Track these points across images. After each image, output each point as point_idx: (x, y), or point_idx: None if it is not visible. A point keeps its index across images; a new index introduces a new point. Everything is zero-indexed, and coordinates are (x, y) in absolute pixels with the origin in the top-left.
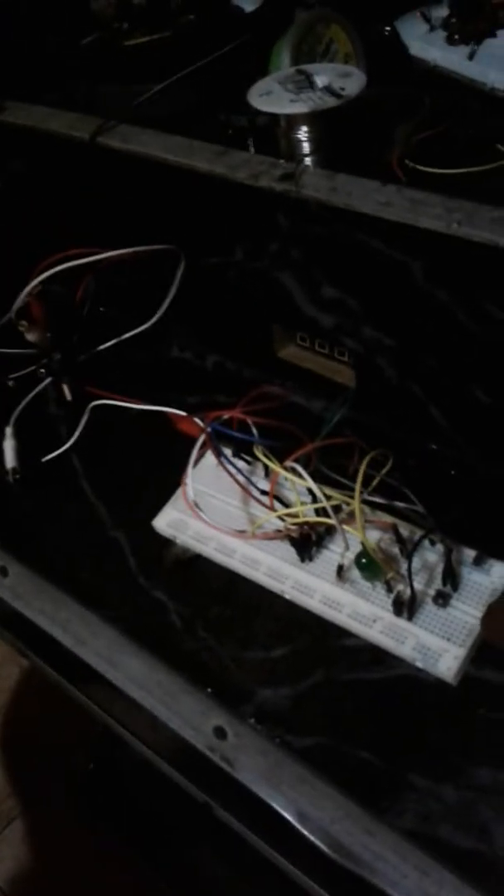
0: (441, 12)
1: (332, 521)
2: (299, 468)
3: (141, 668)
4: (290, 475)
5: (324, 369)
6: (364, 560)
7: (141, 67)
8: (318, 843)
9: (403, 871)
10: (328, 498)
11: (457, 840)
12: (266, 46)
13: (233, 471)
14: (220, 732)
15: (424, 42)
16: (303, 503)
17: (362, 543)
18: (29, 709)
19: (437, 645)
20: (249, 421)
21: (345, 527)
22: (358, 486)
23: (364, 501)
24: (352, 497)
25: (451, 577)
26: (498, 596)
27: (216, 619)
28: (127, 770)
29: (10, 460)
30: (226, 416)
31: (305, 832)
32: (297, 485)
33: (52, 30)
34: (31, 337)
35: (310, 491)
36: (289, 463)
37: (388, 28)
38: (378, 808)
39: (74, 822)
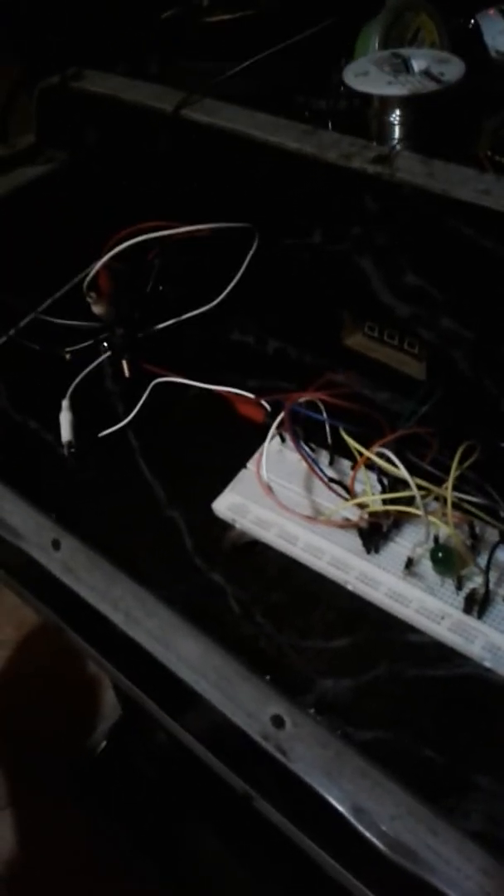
0: None
1: (417, 511)
2: (390, 454)
3: (196, 651)
4: (379, 460)
5: (391, 360)
6: (441, 553)
7: (221, 45)
8: (373, 839)
9: (467, 873)
10: (411, 488)
11: None
12: (345, 32)
13: (307, 457)
14: (277, 721)
15: None
16: (373, 493)
17: (436, 537)
18: (25, 695)
19: None
20: (322, 406)
21: (431, 518)
22: (451, 476)
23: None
24: (435, 488)
25: None
26: None
27: (275, 606)
28: (142, 754)
29: (66, 433)
30: (304, 397)
31: (361, 827)
32: (370, 475)
33: (131, 1)
34: (97, 310)
35: (381, 481)
36: (378, 448)
37: (472, 21)
38: (442, 807)
39: (70, 809)
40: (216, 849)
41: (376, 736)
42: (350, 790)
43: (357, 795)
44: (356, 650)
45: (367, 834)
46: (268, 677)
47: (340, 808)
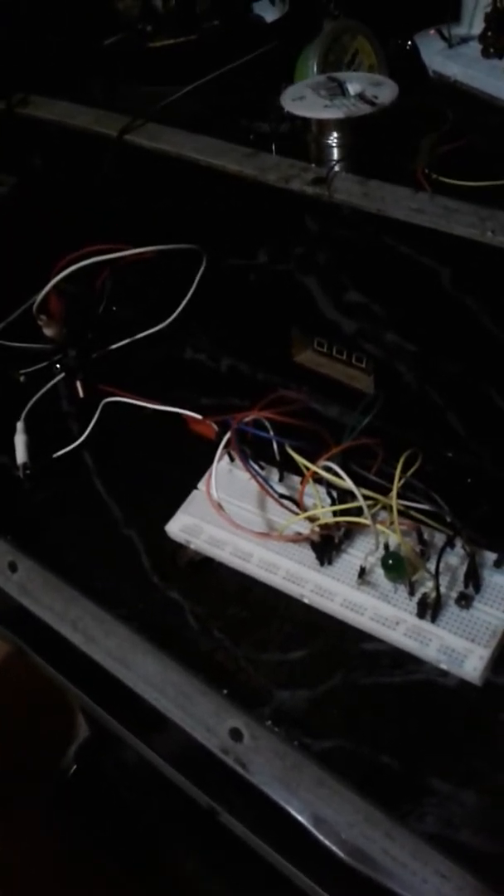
0: (459, 30)
1: (365, 521)
2: (336, 467)
3: (155, 669)
4: (326, 474)
5: (340, 375)
6: (391, 561)
7: (164, 70)
8: (333, 847)
9: (424, 876)
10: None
11: (478, 844)
12: (288, 56)
13: (256, 474)
14: (235, 734)
15: (444, 57)
16: (322, 506)
17: (386, 545)
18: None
19: (461, 646)
20: (268, 423)
21: (379, 526)
22: (395, 484)
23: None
24: (381, 497)
25: (475, 578)
26: None
27: (232, 621)
28: (112, 774)
29: (20, 455)
30: (251, 416)
31: (320, 836)
32: (319, 488)
33: (75, 28)
34: (48, 332)
35: (330, 494)
36: (322, 462)
37: (409, 43)
38: (398, 812)
39: (50, 826)
40: (193, 864)
41: (333, 745)
42: (309, 800)
43: (315, 805)
44: (312, 661)
45: (327, 842)
46: (225, 691)
47: (300, 818)
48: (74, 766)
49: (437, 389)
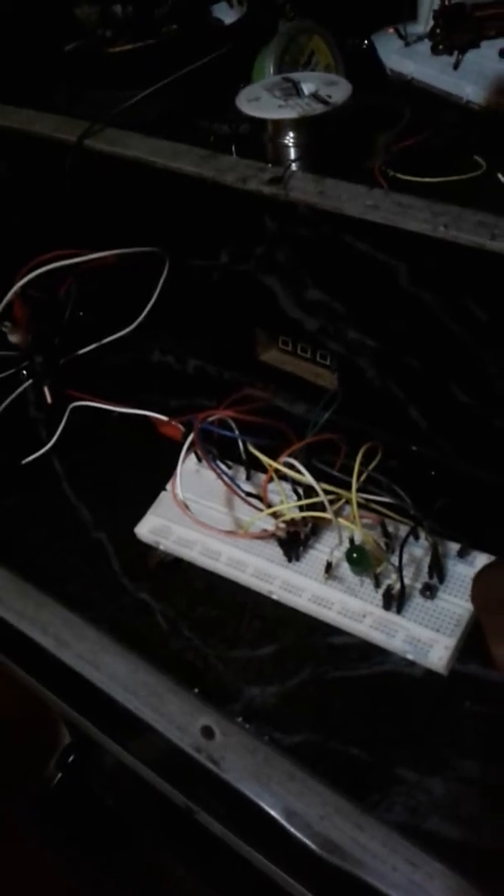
0: (416, 29)
1: (327, 516)
2: (297, 463)
3: (126, 670)
4: (287, 470)
5: (305, 373)
6: (355, 554)
7: (125, 74)
8: (305, 840)
9: (393, 864)
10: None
11: (446, 832)
12: (246, 57)
13: (220, 473)
14: (207, 732)
15: (401, 56)
16: (288, 502)
17: (351, 539)
18: None
19: (427, 636)
20: (232, 422)
21: (340, 520)
22: (354, 479)
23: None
24: (343, 492)
25: (438, 569)
26: None
27: (201, 620)
28: (95, 781)
29: None
30: (214, 416)
31: (293, 830)
32: (284, 485)
33: (34, 35)
34: (13, 338)
35: (295, 490)
36: (284, 459)
37: (365, 42)
38: (367, 802)
39: (36, 839)
40: (179, 867)
41: (303, 739)
42: (280, 794)
43: (287, 798)
44: (281, 657)
45: (300, 835)
46: (196, 690)
47: (273, 813)
48: (59, 776)
49: (398, 384)
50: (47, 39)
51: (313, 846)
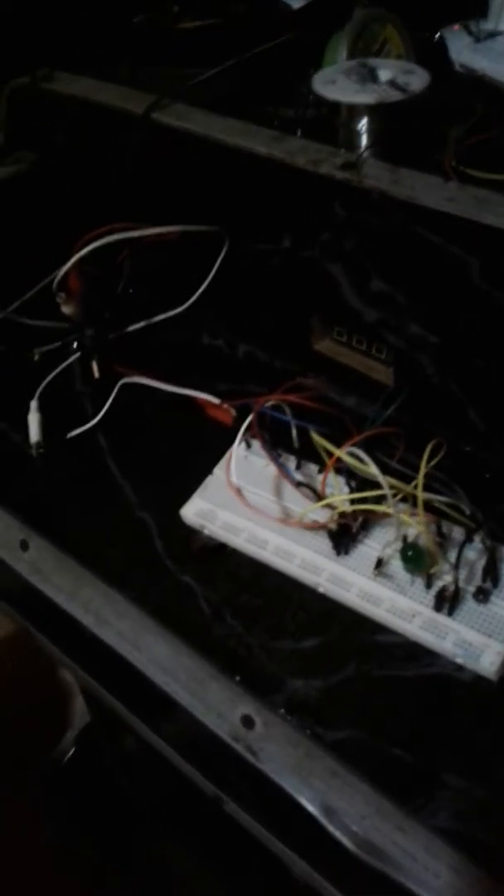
0: (486, 25)
1: (388, 510)
2: (362, 454)
3: (167, 652)
4: (351, 460)
5: (359, 365)
6: (411, 552)
7: (190, 51)
8: (342, 838)
9: (435, 871)
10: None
11: (490, 840)
12: (314, 43)
13: (276, 460)
14: (247, 721)
15: (472, 51)
16: (340, 494)
17: (405, 537)
18: None
19: (478, 641)
20: (287, 409)
21: (402, 516)
22: (421, 475)
23: (412, 494)
24: (405, 487)
25: (493, 573)
26: None
27: (245, 607)
28: (110, 762)
29: (34, 434)
30: (271, 401)
31: (330, 827)
32: (337, 477)
33: (103, 5)
34: (66, 310)
35: (349, 483)
36: (349, 448)
37: (437, 35)
38: (410, 805)
39: (42, 814)
40: (187, 856)
41: (346, 735)
42: (320, 790)
43: (327, 795)
44: (326, 650)
45: (337, 833)
46: (238, 678)
47: (310, 808)
48: (70, 753)
49: (458, 383)
50: (115, 10)
51: (350, 845)
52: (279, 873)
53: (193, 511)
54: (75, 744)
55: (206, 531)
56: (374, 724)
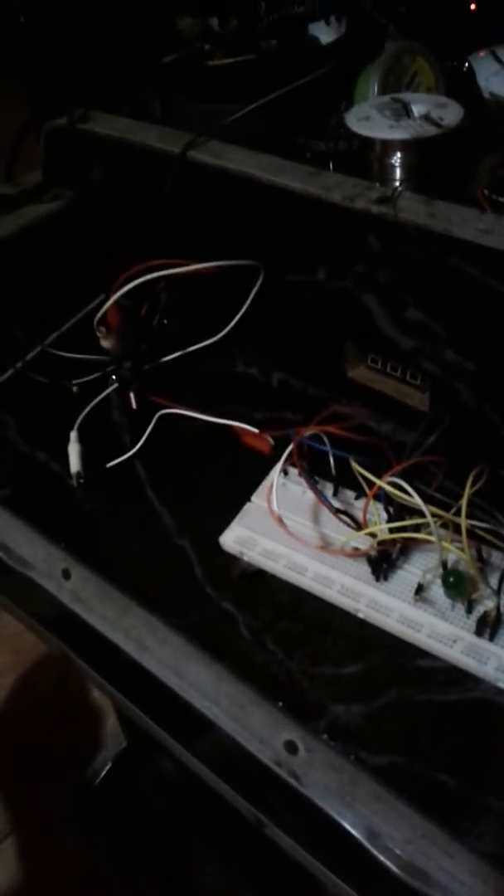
0: None
1: (431, 538)
2: (403, 483)
3: (208, 678)
4: (392, 489)
5: (394, 392)
6: (452, 578)
7: (222, 88)
8: (387, 863)
9: (482, 894)
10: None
11: None
12: (343, 77)
13: (315, 488)
14: (290, 747)
15: (500, 78)
16: (380, 522)
17: (444, 563)
18: (24, 723)
19: None
20: (325, 438)
21: (444, 543)
22: (465, 502)
23: (451, 519)
24: (444, 514)
25: None
26: None
27: (285, 633)
28: (144, 785)
29: (74, 464)
30: (310, 430)
31: (375, 851)
32: (377, 504)
33: (135, 45)
34: (105, 344)
35: (387, 510)
36: (387, 478)
37: (466, 64)
38: (456, 829)
39: (74, 838)
40: (223, 878)
41: (389, 760)
42: (364, 814)
43: (371, 819)
44: (367, 676)
45: (382, 858)
46: (280, 703)
47: (354, 833)
48: (103, 773)
49: (495, 409)
50: (147, 50)
51: (396, 870)
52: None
53: (233, 539)
54: (110, 765)
55: (245, 558)
56: (417, 748)
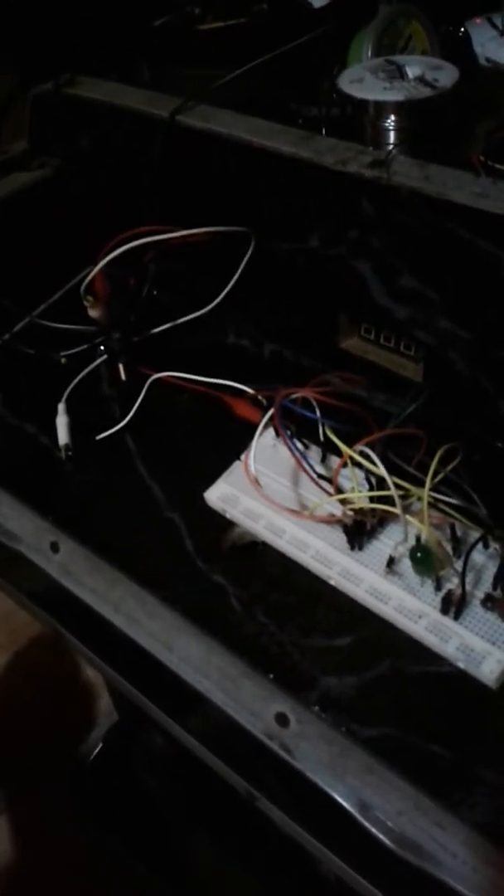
0: None
1: (395, 510)
2: (371, 453)
3: (199, 652)
4: (359, 457)
5: (387, 362)
6: (419, 554)
7: (212, 52)
8: (379, 834)
9: (474, 865)
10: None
11: None
12: (335, 41)
13: (294, 450)
14: (281, 719)
15: (498, 44)
16: (359, 491)
17: (418, 538)
18: (18, 702)
19: (481, 647)
20: (315, 403)
21: (408, 517)
22: (429, 478)
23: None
24: (415, 489)
25: (503, 581)
26: None
27: (277, 605)
28: (137, 760)
29: (63, 437)
30: (297, 394)
31: (366, 823)
32: (357, 472)
33: (124, 9)
34: (93, 313)
35: (368, 479)
36: (359, 447)
37: (462, 30)
38: (448, 801)
39: (66, 815)
40: (216, 853)
41: (381, 732)
42: (356, 786)
43: (363, 791)
44: (359, 648)
45: (373, 829)
46: (271, 675)
47: (346, 805)
48: (96, 751)
49: (490, 378)
50: (136, 13)
51: (388, 842)
52: (309, 869)
53: (217, 495)
54: (102, 741)
55: (227, 515)
56: (409, 720)
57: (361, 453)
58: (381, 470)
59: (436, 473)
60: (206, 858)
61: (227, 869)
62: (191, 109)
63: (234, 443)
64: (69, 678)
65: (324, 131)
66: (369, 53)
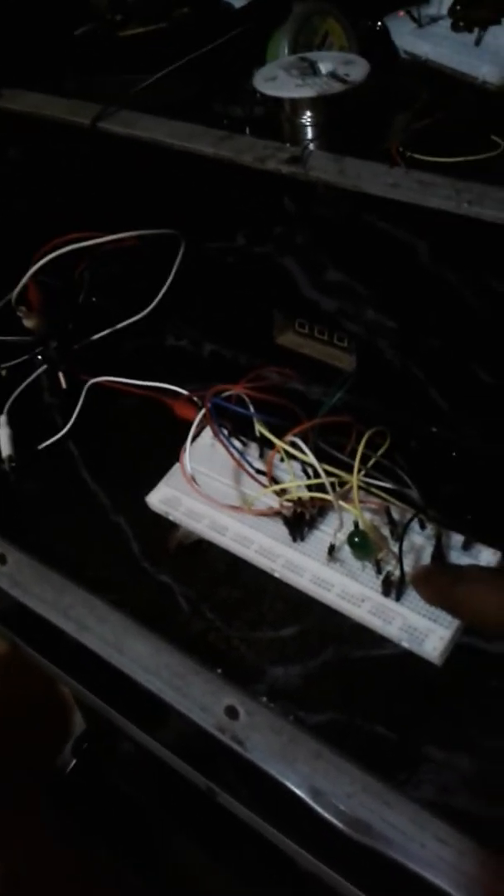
0: (430, 10)
1: (328, 498)
2: (300, 442)
3: (148, 652)
4: (290, 448)
5: (323, 355)
6: (357, 539)
7: (136, 58)
8: (332, 819)
9: (422, 841)
10: (326, 475)
11: (475, 809)
12: (258, 40)
13: (228, 446)
14: (231, 712)
15: (415, 37)
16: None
17: (356, 522)
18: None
19: (423, 626)
20: (247, 399)
21: (341, 503)
22: (357, 464)
23: (360, 481)
24: (348, 475)
25: (441, 560)
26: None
27: (223, 601)
28: (109, 767)
29: (5, 448)
30: (227, 392)
31: (319, 809)
32: (293, 465)
33: (44, 19)
34: (28, 323)
35: (304, 469)
36: (289, 437)
37: (378, 24)
38: (395, 780)
39: (50, 825)
40: (197, 853)
41: (328, 718)
42: (306, 773)
43: (313, 777)
44: (304, 637)
45: (325, 814)
46: (219, 670)
47: (298, 792)
48: (72, 763)
49: (418, 365)
50: (57, 24)
51: (340, 825)
52: (280, 860)
53: (158, 498)
54: (73, 754)
55: (171, 517)
56: (355, 704)
57: (293, 444)
58: (311, 458)
59: (367, 458)
60: (190, 859)
61: (208, 862)
62: (112, 116)
63: (177, 444)
64: (41, 694)
65: (248, 131)
66: (286, 51)
